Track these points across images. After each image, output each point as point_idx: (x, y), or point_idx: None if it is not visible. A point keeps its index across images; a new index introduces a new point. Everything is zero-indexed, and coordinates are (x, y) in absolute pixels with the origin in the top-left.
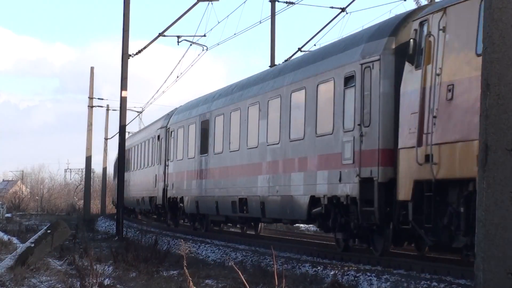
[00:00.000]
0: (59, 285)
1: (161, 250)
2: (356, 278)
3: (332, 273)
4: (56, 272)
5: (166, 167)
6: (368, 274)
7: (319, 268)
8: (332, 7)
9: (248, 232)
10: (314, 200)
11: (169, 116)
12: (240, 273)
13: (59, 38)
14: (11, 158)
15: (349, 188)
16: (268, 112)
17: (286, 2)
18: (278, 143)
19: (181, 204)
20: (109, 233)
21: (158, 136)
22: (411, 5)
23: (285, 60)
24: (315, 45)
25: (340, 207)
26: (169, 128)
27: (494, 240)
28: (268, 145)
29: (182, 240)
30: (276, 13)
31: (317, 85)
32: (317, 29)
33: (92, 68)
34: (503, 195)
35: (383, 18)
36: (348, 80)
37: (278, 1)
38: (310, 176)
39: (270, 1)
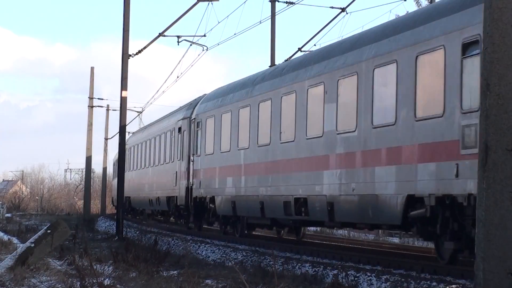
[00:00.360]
0: (59, 285)
1: (161, 250)
2: (356, 278)
3: (332, 273)
4: (56, 272)
5: (191, 162)
6: (368, 274)
7: (319, 268)
8: (332, 7)
9: (285, 237)
10: (412, 200)
11: (192, 105)
12: (240, 273)
13: (59, 38)
14: (11, 158)
15: (473, 184)
16: (338, 94)
17: (286, 2)
18: (354, 131)
19: (211, 205)
20: (109, 233)
21: (179, 129)
22: (411, 5)
23: (285, 60)
24: (315, 45)
25: (454, 209)
26: (194, 118)
27: (494, 240)
28: (338, 134)
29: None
30: (276, 13)
31: (416, 56)
32: (317, 29)
33: (92, 68)
34: (503, 195)
35: (383, 18)
36: (468, 47)
37: (278, 1)
38: (406, 171)
39: (270, 1)
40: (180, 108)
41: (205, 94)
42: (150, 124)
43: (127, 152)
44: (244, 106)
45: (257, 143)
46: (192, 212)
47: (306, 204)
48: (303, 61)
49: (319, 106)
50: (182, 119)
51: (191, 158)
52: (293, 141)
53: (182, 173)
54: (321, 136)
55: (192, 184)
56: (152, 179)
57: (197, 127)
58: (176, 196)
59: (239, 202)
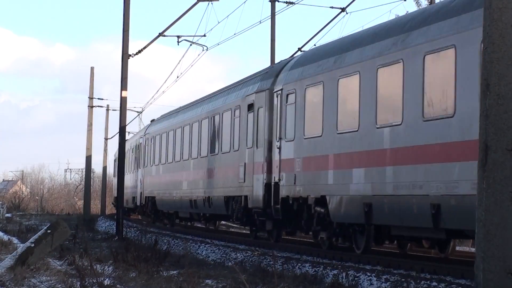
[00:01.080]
0: (59, 285)
1: (161, 250)
2: (356, 278)
3: (332, 273)
4: (56, 272)
5: (277, 150)
6: (368, 274)
7: (319, 268)
8: (332, 7)
9: (422, 253)
10: None
11: (271, 74)
12: (240, 273)
13: (59, 38)
14: (11, 158)
15: None
16: None
17: (286, 2)
18: None
19: (318, 208)
20: (109, 233)
21: (250, 106)
22: (411, 5)
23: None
24: (315, 45)
25: None
26: (281, 89)
27: (494, 240)
28: None
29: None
30: (276, 13)
31: None
32: (317, 29)
33: (92, 68)
34: (503, 195)
35: (383, 18)
36: None
37: (278, 1)
38: None
39: (270, 1)
40: (246, 80)
41: (287, 60)
42: (186, 106)
43: (148, 142)
44: (388, 63)
45: (423, 116)
46: (278, 217)
47: None
48: None
49: None
50: (257, 92)
51: (276, 144)
52: None
53: (257, 164)
54: None
55: (279, 180)
56: (197, 174)
57: (286, 102)
58: (246, 196)
59: (381, 205)
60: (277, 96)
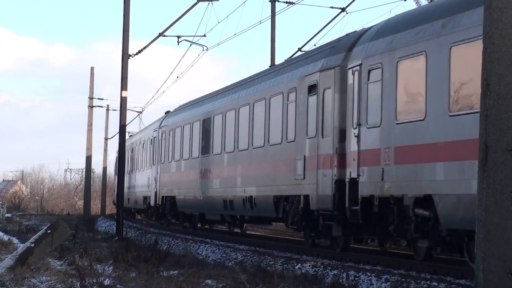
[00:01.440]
0: (59, 285)
1: (161, 250)
2: (356, 278)
3: (332, 273)
4: (56, 272)
5: (355, 138)
6: (368, 274)
7: (319, 268)
8: (332, 7)
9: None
10: None
11: (339, 48)
12: (240, 273)
13: (59, 38)
14: (11, 158)
15: None
16: None
17: (286, 2)
18: None
19: (420, 211)
20: (109, 233)
21: (311, 87)
22: (411, 5)
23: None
24: (315, 45)
25: None
26: (360, 65)
27: (494, 240)
28: None
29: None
30: (276, 13)
31: None
32: (317, 29)
33: (92, 68)
34: (503, 195)
35: (383, 18)
36: None
37: (278, 1)
38: None
39: (270, 1)
40: (300, 59)
41: (360, 32)
42: (215, 94)
43: (166, 136)
44: None
45: None
46: (357, 221)
47: None
48: None
49: None
50: (321, 70)
51: (353, 131)
52: None
53: (324, 157)
54: None
55: (358, 175)
56: (233, 170)
57: (368, 79)
58: (307, 195)
59: None
60: (353, 74)
